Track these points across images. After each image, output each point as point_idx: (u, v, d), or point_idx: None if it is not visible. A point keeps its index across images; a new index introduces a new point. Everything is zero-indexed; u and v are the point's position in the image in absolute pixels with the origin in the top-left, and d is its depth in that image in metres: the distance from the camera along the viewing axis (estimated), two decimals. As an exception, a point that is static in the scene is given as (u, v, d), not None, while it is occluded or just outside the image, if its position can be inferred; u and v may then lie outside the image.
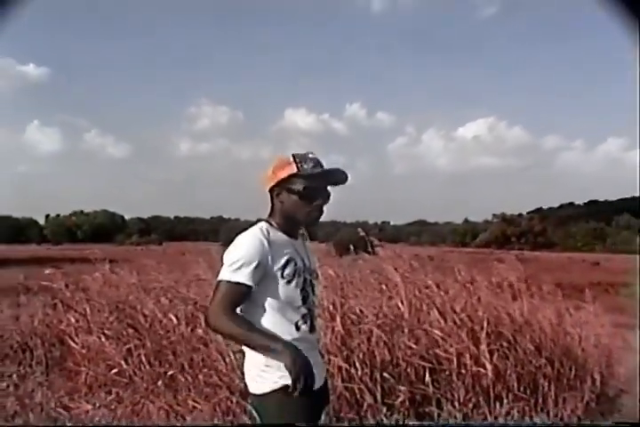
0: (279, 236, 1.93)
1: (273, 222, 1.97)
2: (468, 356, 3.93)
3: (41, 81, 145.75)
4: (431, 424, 3.63)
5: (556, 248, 57.19)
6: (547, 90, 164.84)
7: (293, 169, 1.92)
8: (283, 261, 1.89)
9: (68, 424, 3.88)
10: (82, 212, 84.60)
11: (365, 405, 3.74)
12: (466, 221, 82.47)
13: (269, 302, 1.89)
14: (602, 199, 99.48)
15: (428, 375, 3.83)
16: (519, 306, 4.54)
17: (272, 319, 1.86)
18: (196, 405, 3.95)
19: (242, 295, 1.82)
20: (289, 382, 1.86)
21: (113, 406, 4.13)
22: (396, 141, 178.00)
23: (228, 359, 4.05)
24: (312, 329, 1.98)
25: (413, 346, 3.99)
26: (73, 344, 5.06)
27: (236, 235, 1.91)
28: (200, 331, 4.49)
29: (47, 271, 6.57)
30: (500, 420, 3.71)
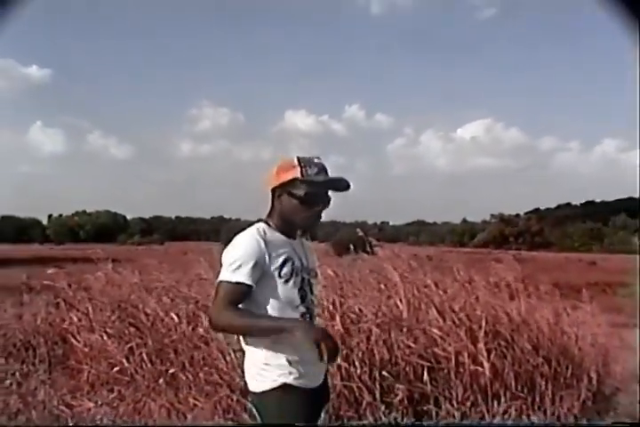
0: (276, 236, 1.93)
1: (271, 223, 1.97)
2: (466, 355, 3.93)
3: (44, 83, 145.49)
4: (429, 424, 3.63)
5: (553, 248, 57.17)
6: (544, 92, 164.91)
7: (297, 173, 1.90)
8: (280, 260, 1.89)
9: (71, 424, 3.87)
10: (84, 212, 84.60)
11: (364, 403, 3.74)
12: (464, 221, 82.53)
13: (268, 302, 1.88)
14: (598, 200, 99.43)
15: (426, 374, 3.83)
16: (517, 306, 4.53)
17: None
18: (196, 403, 3.95)
19: (242, 294, 1.81)
20: (288, 380, 1.86)
21: (115, 404, 4.13)
22: (395, 142, 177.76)
23: (228, 358, 4.05)
24: (311, 328, 1.97)
25: (412, 345, 3.99)
26: (75, 343, 5.06)
27: (235, 235, 1.91)
28: (201, 330, 4.49)
29: (50, 271, 6.58)
30: (498, 418, 3.71)
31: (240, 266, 1.81)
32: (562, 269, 19.64)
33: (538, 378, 3.97)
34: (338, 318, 4.13)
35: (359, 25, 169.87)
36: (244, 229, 1.94)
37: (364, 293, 4.65)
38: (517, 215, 71.66)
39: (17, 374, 4.91)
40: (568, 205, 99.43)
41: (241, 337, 1.97)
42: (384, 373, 3.83)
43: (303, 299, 1.95)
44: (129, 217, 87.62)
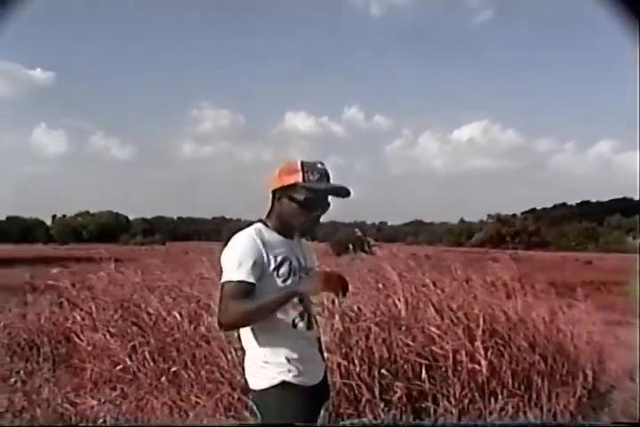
0: (274, 236, 1.92)
1: (269, 223, 1.97)
2: (463, 353, 3.93)
3: (47, 85, 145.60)
4: (427, 424, 3.62)
5: (549, 248, 57.18)
6: (540, 94, 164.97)
7: (299, 178, 1.89)
8: (278, 260, 1.88)
9: (74, 421, 3.87)
10: (87, 212, 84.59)
11: (364, 400, 3.74)
12: (461, 221, 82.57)
13: None
14: (594, 200, 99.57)
15: (424, 372, 3.82)
16: (513, 304, 4.53)
17: (270, 318, 1.86)
18: (198, 400, 3.95)
19: (245, 292, 1.79)
20: (287, 378, 1.87)
21: (118, 402, 4.13)
22: (394, 144, 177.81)
23: (229, 356, 4.05)
24: (309, 326, 1.97)
25: (410, 343, 3.99)
26: (79, 341, 5.06)
27: (233, 235, 1.91)
28: (203, 328, 4.49)
29: (53, 270, 6.59)
30: (495, 415, 3.71)
31: (240, 265, 1.80)
32: (558, 269, 19.65)
33: (534, 375, 3.97)
34: (337, 317, 4.12)
35: (358, 27, 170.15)
36: (241, 229, 1.93)
37: (363, 292, 4.65)
38: (514, 215, 71.70)
39: (21, 372, 4.92)
40: (564, 205, 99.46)
41: (241, 336, 1.97)
42: (383, 371, 3.83)
43: (301, 299, 1.95)
44: (131, 217, 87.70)
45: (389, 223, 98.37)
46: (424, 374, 3.81)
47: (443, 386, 3.82)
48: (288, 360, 1.88)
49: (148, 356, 4.50)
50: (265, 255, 1.85)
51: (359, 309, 4.30)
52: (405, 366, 3.91)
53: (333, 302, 4.29)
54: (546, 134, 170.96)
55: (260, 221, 1.98)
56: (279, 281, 1.89)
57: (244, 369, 1.99)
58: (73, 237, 73.02)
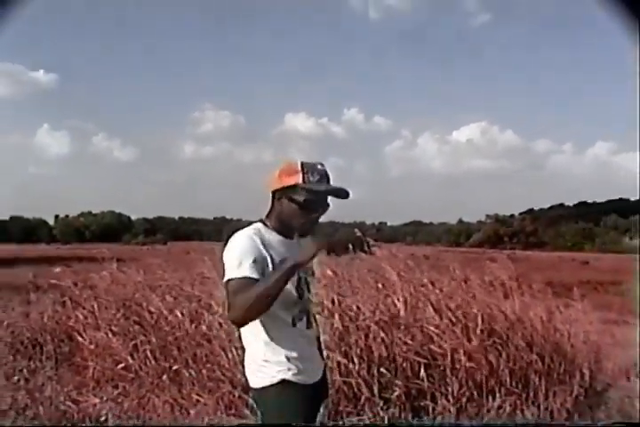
0: (273, 236, 1.92)
1: (268, 223, 1.96)
2: (462, 352, 3.93)
3: (50, 87, 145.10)
4: (424, 424, 3.62)
5: (546, 248, 57.18)
6: (539, 95, 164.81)
7: (299, 179, 1.88)
8: (276, 259, 1.87)
9: (76, 419, 3.87)
10: (90, 212, 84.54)
11: (363, 398, 3.74)
12: (460, 221, 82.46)
13: None
14: (590, 201, 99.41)
15: (423, 370, 3.83)
16: (511, 304, 4.53)
17: (269, 317, 1.85)
18: (199, 398, 3.95)
19: (249, 287, 1.75)
20: (287, 376, 1.86)
21: (120, 400, 4.13)
22: (393, 145, 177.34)
23: (230, 355, 4.05)
24: (308, 325, 1.97)
25: (409, 342, 3.99)
26: (81, 340, 5.06)
27: (232, 234, 1.91)
28: (204, 327, 4.49)
29: (56, 270, 6.60)
30: (493, 413, 3.71)
31: (241, 263, 1.79)
32: (555, 268, 19.65)
33: (532, 374, 3.97)
34: (337, 316, 4.13)
35: (357, 29, 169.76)
36: (241, 229, 1.92)
37: (363, 291, 4.65)
38: (512, 216, 71.79)
39: (24, 370, 4.92)
40: (561, 205, 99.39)
41: (242, 335, 1.97)
42: (382, 369, 3.83)
43: (300, 297, 1.94)
44: (133, 218, 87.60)
45: (389, 224, 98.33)
46: (423, 373, 3.81)
47: (441, 384, 3.82)
48: (288, 359, 1.88)
49: (149, 354, 4.50)
50: (265, 254, 1.84)
51: (358, 308, 4.30)
52: (404, 365, 3.91)
53: (333, 302, 4.30)
54: (544, 135, 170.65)
55: (260, 221, 1.98)
56: None
57: (244, 368, 1.99)
58: (75, 237, 72.95)
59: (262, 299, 1.70)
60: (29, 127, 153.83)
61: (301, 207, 1.89)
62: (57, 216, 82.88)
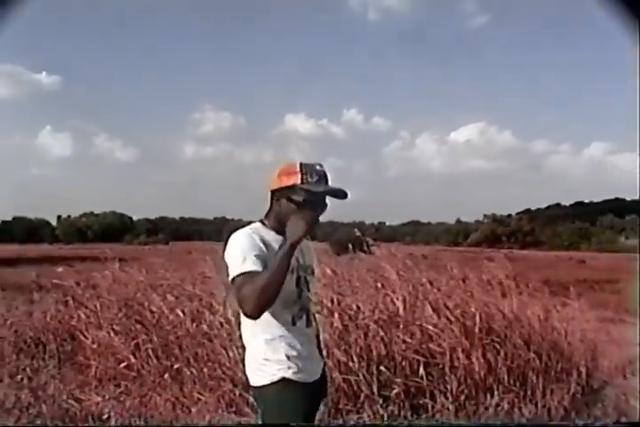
0: (272, 235, 1.91)
1: (266, 222, 1.96)
2: (460, 350, 3.93)
3: (53, 89, 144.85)
4: (422, 424, 3.62)
5: (543, 247, 57.12)
6: (536, 96, 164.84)
7: (297, 180, 1.88)
8: None
9: (79, 417, 3.87)
10: (92, 213, 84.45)
11: (362, 396, 3.75)
12: (458, 221, 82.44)
13: None
14: (587, 200, 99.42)
15: (422, 369, 3.83)
16: (509, 303, 4.53)
17: (269, 315, 1.85)
18: (201, 397, 3.95)
19: (256, 279, 1.74)
20: (287, 374, 1.86)
21: (122, 399, 4.13)
22: (392, 145, 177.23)
23: (231, 353, 4.05)
24: (308, 324, 1.97)
25: (408, 340, 3.99)
26: (84, 339, 5.06)
27: (231, 234, 1.90)
28: (205, 326, 4.49)
29: (59, 270, 6.61)
30: (491, 411, 3.71)
31: (245, 259, 1.78)
32: (552, 268, 19.66)
33: (529, 372, 3.97)
34: (336, 315, 4.13)
35: (357, 31, 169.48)
36: (238, 228, 1.92)
37: (362, 290, 4.65)
38: (509, 215, 71.77)
39: (27, 369, 4.91)
40: (558, 205, 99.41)
41: (242, 334, 1.97)
42: (381, 367, 3.84)
43: (299, 295, 1.94)
44: (135, 218, 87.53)
45: (387, 223, 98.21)
46: (422, 371, 3.82)
47: (440, 382, 3.83)
48: (288, 357, 1.88)
49: (151, 353, 4.50)
50: (265, 251, 1.83)
51: (358, 307, 4.30)
52: (403, 363, 3.91)
53: (333, 301, 4.30)
54: (541, 136, 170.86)
55: (260, 221, 1.98)
56: None
57: (245, 366, 1.98)
58: (78, 237, 72.90)
59: (269, 286, 1.70)
60: (32, 128, 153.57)
61: (300, 207, 1.89)
62: (59, 216, 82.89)
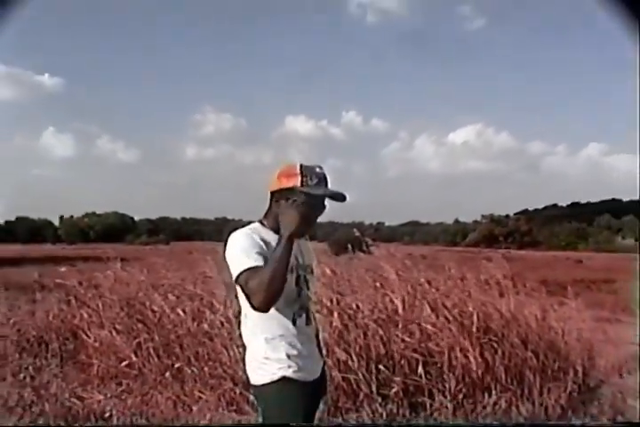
0: (270, 235, 1.90)
1: (265, 223, 1.96)
2: (458, 349, 3.93)
3: (55, 90, 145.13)
4: (419, 424, 3.62)
5: (540, 247, 57.07)
6: (533, 98, 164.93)
7: (297, 182, 1.87)
8: None
9: (82, 416, 3.87)
10: (94, 213, 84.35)
11: (362, 395, 3.75)
12: (456, 221, 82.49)
13: None
14: (584, 201, 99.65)
15: (420, 367, 3.83)
16: (506, 302, 4.53)
17: (270, 315, 1.84)
18: (201, 395, 3.95)
19: (259, 273, 1.75)
20: (287, 373, 1.86)
21: (123, 397, 4.13)
22: (390, 146, 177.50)
23: (231, 352, 4.05)
24: (308, 322, 1.97)
25: (407, 340, 3.99)
26: (86, 338, 5.06)
27: (230, 234, 1.90)
28: (206, 326, 4.49)
29: (62, 269, 6.60)
30: (489, 409, 3.71)
31: (246, 256, 1.78)
32: (549, 267, 19.64)
33: (526, 371, 3.97)
34: (336, 315, 4.13)
35: (356, 34, 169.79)
36: (238, 228, 1.92)
37: (361, 290, 4.65)
38: (507, 216, 71.63)
39: (30, 368, 4.91)
40: (555, 206, 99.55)
41: (242, 333, 1.97)
42: (380, 366, 3.84)
43: (299, 294, 1.94)
44: (136, 218, 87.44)
45: (386, 224, 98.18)
46: (420, 370, 3.81)
47: (438, 381, 3.83)
48: (288, 356, 1.88)
49: (152, 352, 4.50)
50: (265, 249, 1.83)
51: (357, 306, 4.30)
52: (402, 362, 3.91)
53: (332, 301, 4.30)
54: (538, 137, 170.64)
55: (259, 221, 1.98)
56: None
57: (245, 365, 1.98)
58: (80, 238, 72.82)
59: (275, 278, 1.72)
60: (35, 130, 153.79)
61: (299, 209, 1.88)
62: (62, 217, 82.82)
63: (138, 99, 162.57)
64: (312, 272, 2.07)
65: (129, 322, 4.97)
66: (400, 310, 4.26)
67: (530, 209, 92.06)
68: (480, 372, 3.87)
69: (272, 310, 1.81)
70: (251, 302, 1.74)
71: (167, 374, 4.26)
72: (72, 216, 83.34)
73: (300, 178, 1.88)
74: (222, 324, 4.39)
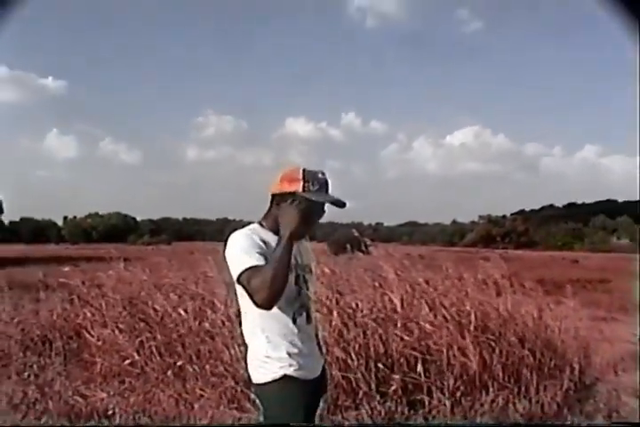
0: (270, 235, 1.90)
1: (265, 224, 1.95)
2: (456, 347, 3.93)
3: (59, 93, 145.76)
4: (418, 424, 3.61)
5: (537, 247, 57.09)
6: (529, 100, 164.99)
7: (299, 187, 1.87)
8: None
9: (85, 414, 3.87)
10: (97, 214, 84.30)
11: (361, 393, 3.74)
12: (454, 222, 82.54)
13: None
14: (579, 202, 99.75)
15: (419, 365, 3.83)
16: (503, 301, 4.54)
17: (270, 314, 1.84)
18: (203, 393, 3.95)
19: (261, 271, 1.75)
20: (288, 371, 1.86)
21: (126, 395, 4.13)
22: (389, 148, 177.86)
23: (232, 351, 4.05)
24: (308, 321, 1.97)
25: (406, 338, 3.99)
26: (89, 337, 5.06)
27: (230, 234, 1.89)
28: (207, 324, 4.49)
29: (65, 269, 6.58)
30: (486, 406, 3.71)
31: (247, 255, 1.78)
32: (545, 267, 19.62)
33: (523, 369, 3.97)
34: (335, 314, 4.13)
35: (355, 37, 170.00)
36: (237, 229, 1.92)
37: (361, 289, 4.65)
38: (504, 216, 71.63)
39: (34, 366, 4.91)
40: (551, 206, 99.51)
41: (244, 332, 1.96)
42: (379, 364, 3.83)
43: (299, 293, 1.94)
44: (139, 218, 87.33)
45: (385, 224, 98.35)
46: (419, 368, 3.81)
47: (437, 379, 3.82)
48: (289, 355, 1.87)
49: (154, 351, 4.50)
50: (264, 249, 1.83)
51: (357, 305, 4.31)
52: (401, 360, 3.91)
53: (332, 300, 4.30)
54: (534, 139, 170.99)
55: (258, 222, 1.97)
56: None
57: (246, 363, 1.98)
58: (83, 238, 72.81)
59: (277, 276, 1.72)
60: (39, 131, 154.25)
61: (299, 214, 1.87)
62: (65, 217, 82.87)
63: (140, 101, 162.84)
64: (311, 272, 2.07)
65: (131, 321, 4.97)
66: (399, 309, 4.26)
67: (527, 210, 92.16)
68: (478, 370, 3.87)
69: (273, 309, 1.81)
70: (254, 300, 1.74)
71: (169, 372, 4.26)
72: (75, 217, 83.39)
73: (302, 183, 1.87)
74: (223, 323, 4.39)
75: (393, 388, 3.73)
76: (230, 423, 3.66)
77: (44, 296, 6.55)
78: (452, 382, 3.79)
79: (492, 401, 3.75)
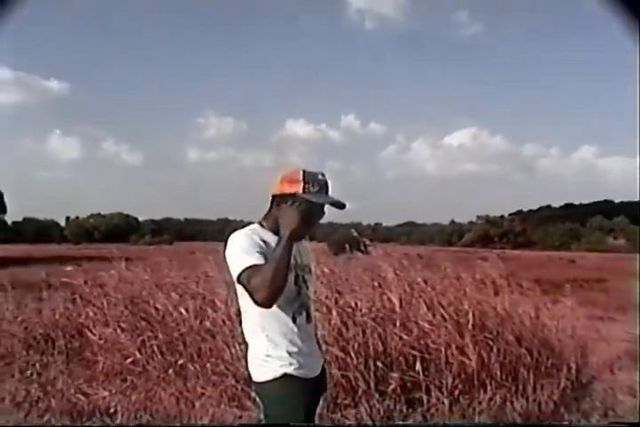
0: (270, 236, 1.90)
1: (265, 224, 1.95)
2: (454, 346, 3.93)
3: (62, 95, 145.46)
4: (417, 425, 3.61)
5: (535, 247, 57.01)
6: (527, 102, 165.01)
7: (299, 189, 1.87)
8: None
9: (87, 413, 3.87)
10: (99, 214, 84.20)
11: (360, 391, 3.74)
12: (452, 222, 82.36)
13: None
14: (577, 202, 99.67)
15: (418, 364, 3.83)
16: (501, 301, 4.54)
17: (270, 313, 1.85)
18: (204, 391, 3.95)
19: (261, 270, 1.75)
20: (288, 370, 1.86)
21: (128, 393, 4.13)
22: (388, 149, 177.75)
23: (233, 350, 4.05)
24: (308, 320, 1.97)
25: (404, 337, 3.99)
26: (91, 336, 5.06)
27: (230, 234, 1.89)
28: (208, 323, 4.49)
29: (67, 269, 6.59)
30: (484, 405, 3.71)
31: (247, 255, 1.78)
32: (543, 267, 19.62)
33: (521, 368, 3.97)
34: (335, 313, 4.13)
35: (354, 39, 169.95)
36: (237, 229, 1.92)
37: (360, 289, 4.65)
38: (502, 217, 71.54)
39: (37, 364, 4.91)
40: (549, 207, 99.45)
41: (244, 331, 1.97)
42: (378, 363, 3.83)
43: (299, 293, 1.94)
44: (140, 219, 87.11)
45: (384, 224, 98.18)
46: (417, 367, 3.81)
47: (435, 377, 3.82)
48: (289, 354, 1.88)
49: (156, 349, 4.50)
50: (264, 249, 1.83)
51: (356, 305, 4.30)
52: (400, 359, 3.91)
53: (331, 299, 4.30)
54: (532, 140, 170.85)
55: (258, 223, 1.98)
56: None
57: (247, 362, 1.98)
58: (85, 238, 72.75)
59: (277, 275, 1.72)
60: (42, 133, 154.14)
61: (299, 215, 1.88)
62: (68, 217, 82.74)
63: (142, 103, 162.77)
64: (310, 272, 2.07)
65: (133, 320, 4.97)
66: (397, 309, 4.26)
67: (524, 210, 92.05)
68: (476, 368, 3.87)
69: (273, 308, 1.81)
70: (254, 299, 1.73)
71: (170, 370, 4.26)
72: (78, 217, 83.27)
73: (302, 185, 1.87)
74: (224, 322, 4.39)
75: (392, 386, 3.74)
76: (231, 422, 3.66)
77: (47, 295, 6.56)
78: (450, 380, 3.79)
79: (490, 399, 3.75)
